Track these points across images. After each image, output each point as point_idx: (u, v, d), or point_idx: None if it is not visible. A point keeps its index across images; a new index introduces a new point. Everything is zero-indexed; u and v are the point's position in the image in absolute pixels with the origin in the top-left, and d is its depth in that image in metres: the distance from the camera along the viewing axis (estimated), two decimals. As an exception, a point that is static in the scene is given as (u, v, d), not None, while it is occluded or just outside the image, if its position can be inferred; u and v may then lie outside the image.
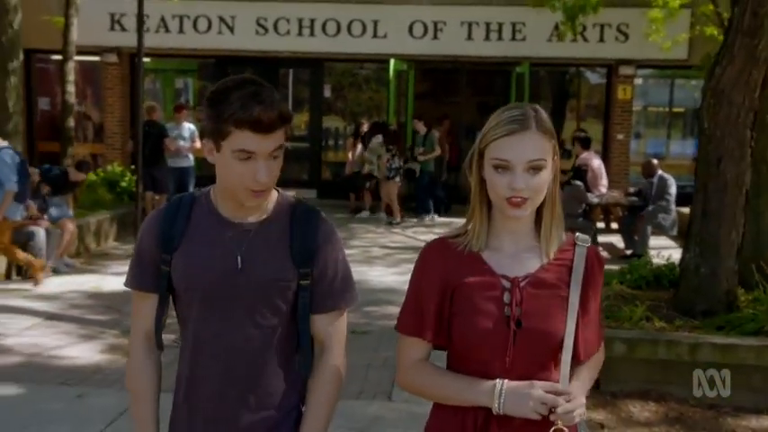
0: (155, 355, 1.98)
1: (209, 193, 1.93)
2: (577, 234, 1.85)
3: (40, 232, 7.97)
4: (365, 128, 13.54)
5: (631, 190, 11.15)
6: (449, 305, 1.79)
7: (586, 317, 1.81)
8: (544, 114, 1.75)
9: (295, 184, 14.08)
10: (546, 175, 1.73)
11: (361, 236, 11.50)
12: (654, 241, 9.75)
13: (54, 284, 7.88)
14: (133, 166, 12.33)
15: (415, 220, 12.86)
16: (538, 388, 1.69)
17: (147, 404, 1.95)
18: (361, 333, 6.41)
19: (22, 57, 10.18)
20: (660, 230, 9.84)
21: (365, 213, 13.07)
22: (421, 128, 13.01)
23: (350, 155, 13.86)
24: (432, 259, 1.83)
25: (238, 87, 1.77)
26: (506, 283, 1.77)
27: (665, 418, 4.73)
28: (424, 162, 12.99)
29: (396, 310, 5.56)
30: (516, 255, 1.80)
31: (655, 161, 10.32)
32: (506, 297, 1.76)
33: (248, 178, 1.77)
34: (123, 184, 11.49)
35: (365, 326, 6.65)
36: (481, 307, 1.76)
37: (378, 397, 4.99)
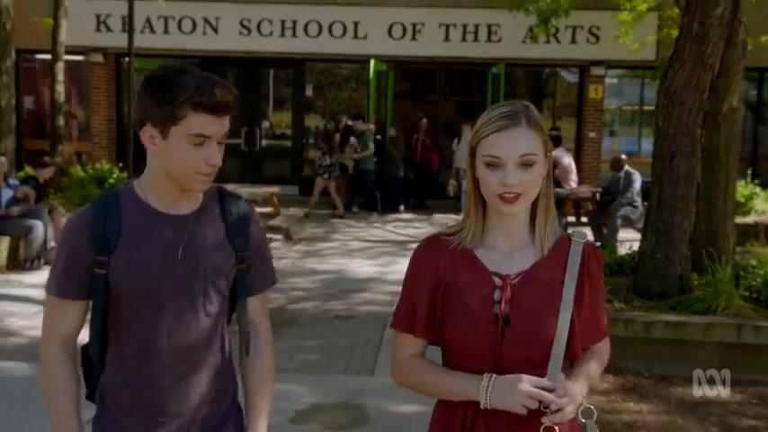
0: (73, 363, 1.89)
1: (132, 188, 1.87)
2: (572, 230, 1.86)
3: (38, 226, 8.32)
4: (342, 125, 13.95)
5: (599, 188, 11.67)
6: (441, 302, 1.80)
7: (584, 313, 1.79)
8: (535, 111, 1.76)
9: (278, 180, 14.51)
10: (538, 171, 1.73)
11: (341, 231, 11.95)
12: (623, 234, 10.28)
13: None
14: (121, 164, 12.73)
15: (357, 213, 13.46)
16: (525, 382, 1.67)
17: (70, 402, 1.85)
18: (345, 318, 6.89)
19: (14, 57, 10.50)
20: (628, 223, 10.36)
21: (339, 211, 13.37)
22: (360, 126, 13.39)
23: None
24: (424, 256, 1.84)
25: (184, 72, 1.75)
26: (498, 281, 1.77)
27: (621, 388, 5.23)
28: (362, 160, 13.40)
29: (375, 297, 6.38)
30: (510, 252, 1.80)
31: (623, 156, 10.84)
32: (497, 295, 1.76)
33: (201, 162, 1.76)
34: (111, 180, 11.84)
35: (348, 311, 7.12)
36: (471, 305, 1.76)
37: (361, 373, 5.44)
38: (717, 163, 6.82)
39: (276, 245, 10.08)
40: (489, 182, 1.72)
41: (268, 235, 9.73)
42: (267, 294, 2.04)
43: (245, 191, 10.39)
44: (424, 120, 14.70)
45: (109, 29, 14.79)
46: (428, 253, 1.83)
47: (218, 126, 1.75)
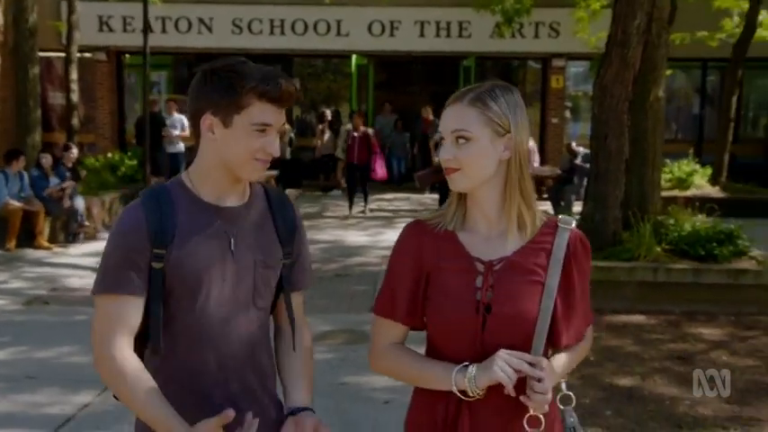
0: (139, 360, 1.79)
1: (181, 182, 1.85)
2: (560, 216, 1.82)
3: (80, 202, 9.68)
4: (328, 116, 15.40)
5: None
6: (424, 287, 1.77)
7: (568, 302, 1.75)
8: (497, 92, 1.72)
9: (270, 166, 15.86)
10: (476, 148, 1.70)
11: (333, 209, 13.40)
12: (577, 207, 11.81)
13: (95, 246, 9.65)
14: (129, 153, 14.04)
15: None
16: (504, 352, 1.65)
17: (159, 396, 1.74)
18: (343, 276, 8.36)
19: (38, 58, 11.74)
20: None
21: (337, 192, 14.87)
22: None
23: (318, 141, 15.69)
24: (407, 242, 1.81)
25: (247, 64, 1.77)
26: (480, 267, 1.74)
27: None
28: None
29: (366, 260, 8.48)
30: (491, 237, 1.76)
31: (573, 143, 12.43)
32: (479, 281, 1.73)
33: (260, 150, 1.77)
34: (123, 168, 13.15)
35: (345, 271, 8.59)
36: (453, 291, 1.73)
37: (360, 311, 6.89)
38: (645, 143, 8.36)
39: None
40: (439, 157, 1.76)
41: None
42: (305, 292, 2.04)
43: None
44: (357, 115, 13.29)
45: (111, 29, 16.04)
46: (411, 238, 1.81)
47: (279, 116, 1.77)
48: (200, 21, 16.02)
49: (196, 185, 1.84)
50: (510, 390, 1.63)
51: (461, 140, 1.71)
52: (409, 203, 14.12)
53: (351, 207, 12.71)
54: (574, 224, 1.80)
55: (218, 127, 1.77)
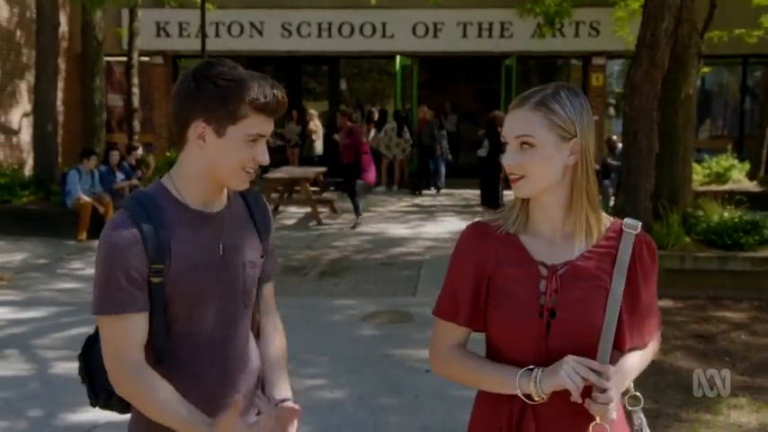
0: (154, 371, 1.77)
1: (164, 189, 1.81)
2: (626, 220, 1.77)
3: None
4: (376, 115, 16.01)
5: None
6: (485, 290, 1.74)
7: (634, 307, 1.72)
8: (562, 95, 1.68)
9: (317, 163, 16.55)
10: (539, 154, 1.66)
11: (377, 203, 14.00)
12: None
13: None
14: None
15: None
16: (571, 358, 1.62)
17: (179, 400, 1.74)
18: (388, 265, 8.91)
19: (104, 63, 12.55)
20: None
21: (381, 187, 15.49)
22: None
23: (364, 138, 16.28)
24: (468, 243, 1.78)
25: (238, 69, 1.76)
26: (544, 271, 1.71)
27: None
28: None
29: (409, 250, 9.21)
30: (554, 241, 1.73)
31: (614, 137, 12.76)
32: (542, 285, 1.70)
33: (249, 160, 1.76)
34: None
35: (389, 260, 9.15)
36: (516, 295, 1.70)
37: (405, 295, 7.44)
38: (676, 138, 8.73)
39: (324, 215, 12.14)
40: (503, 163, 1.72)
41: (318, 208, 11.83)
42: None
43: (298, 171, 12.45)
44: (342, 116, 12.07)
45: (167, 34, 16.87)
46: (472, 239, 1.78)
47: (270, 125, 1.78)
48: (252, 25, 16.75)
49: (181, 192, 1.81)
50: (576, 396, 1.60)
51: (525, 146, 1.67)
52: (451, 199, 14.64)
53: (356, 211, 11.50)
54: (639, 228, 1.75)
55: (211, 136, 1.74)
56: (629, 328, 1.72)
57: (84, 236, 10.05)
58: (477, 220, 1.87)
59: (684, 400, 4.74)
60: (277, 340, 2.02)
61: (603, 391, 1.62)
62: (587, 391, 1.64)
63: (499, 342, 1.75)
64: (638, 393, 1.81)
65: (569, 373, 1.60)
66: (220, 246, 1.83)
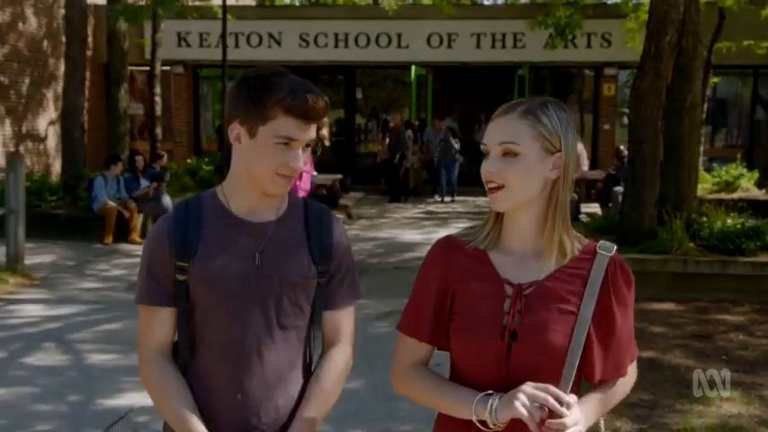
0: (174, 367, 1.81)
1: (215, 193, 1.85)
2: (601, 242, 1.70)
3: (167, 201, 10.83)
4: (392, 124, 16.37)
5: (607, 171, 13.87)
6: (449, 306, 1.69)
7: (604, 334, 1.63)
8: (550, 108, 1.63)
9: (334, 170, 16.92)
10: (525, 164, 1.60)
11: (392, 210, 14.34)
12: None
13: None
14: (206, 159, 15.24)
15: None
16: (529, 386, 1.53)
17: (187, 401, 1.76)
18: (402, 268, 9.24)
19: (128, 73, 13.00)
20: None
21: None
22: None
23: (380, 147, 16.66)
24: (435, 259, 1.74)
25: (281, 75, 1.75)
26: (509, 290, 1.64)
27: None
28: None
29: (422, 254, 9.61)
30: (524, 259, 1.66)
31: (621, 147, 13.06)
32: (507, 305, 1.63)
33: (282, 164, 1.74)
34: (201, 173, 14.33)
35: (402, 264, 9.50)
36: (478, 313, 1.65)
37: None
38: (682, 147, 9.01)
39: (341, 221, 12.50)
40: (482, 171, 1.66)
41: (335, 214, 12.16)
42: (351, 309, 1.93)
43: (317, 177, 12.81)
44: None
45: (188, 44, 17.33)
46: (440, 254, 1.73)
47: (305, 131, 1.74)
48: (270, 36, 17.18)
49: (228, 197, 1.83)
50: (533, 428, 1.51)
51: (508, 155, 1.61)
52: (464, 206, 14.97)
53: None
54: (614, 251, 1.67)
55: (245, 137, 1.76)
56: (599, 357, 1.63)
57: (109, 239, 10.45)
58: (447, 234, 1.80)
59: (680, 393, 5.03)
60: (323, 378, 1.86)
61: (561, 416, 1.51)
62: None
63: (461, 362, 1.69)
64: (601, 424, 1.72)
65: (525, 404, 1.51)
66: (256, 256, 1.79)
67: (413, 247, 10.47)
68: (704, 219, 8.48)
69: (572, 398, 1.55)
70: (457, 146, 15.64)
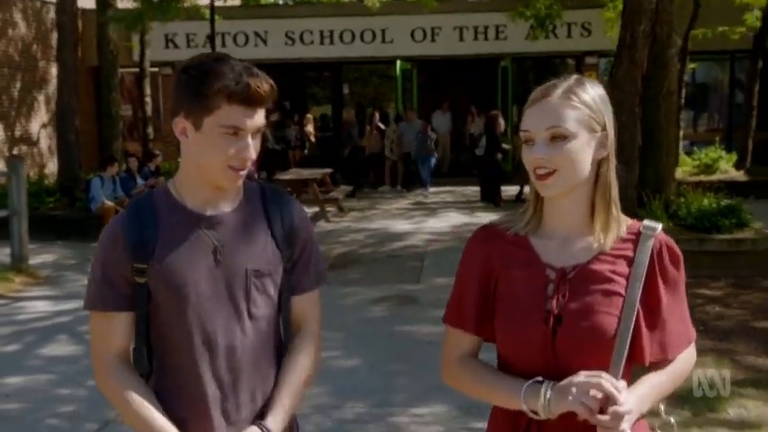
0: (136, 374, 1.75)
1: (167, 189, 1.77)
2: (645, 222, 1.63)
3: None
4: (377, 118, 16.71)
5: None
6: (492, 295, 1.65)
7: (652, 315, 1.58)
8: (587, 86, 1.59)
9: (320, 165, 17.24)
10: (575, 147, 1.54)
11: (381, 202, 14.68)
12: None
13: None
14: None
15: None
16: (581, 375, 1.49)
17: (151, 406, 1.70)
18: (394, 257, 9.57)
19: (120, 75, 13.25)
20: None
21: (385, 187, 16.17)
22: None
23: (367, 142, 16.97)
24: (475, 247, 1.70)
25: (221, 61, 1.66)
26: (552, 274, 1.60)
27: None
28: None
29: (412, 243, 10.15)
30: (567, 243, 1.62)
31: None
32: (550, 289, 1.59)
33: (232, 156, 1.66)
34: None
35: (394, 252, 9.82)
36: (520, 299, 1.61)
37: (408, 282, 8.09)
38: (660, 132, 9.38)
39: (331, 214, 12.83)
40: (525, 159, 1.60)
41: (326, 207, 12.50)
42: (316, 294, 1.90)
43: (306, 172, 13.14)
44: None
45: (176, 45, 17.57)
46: (480, 243, 1.70)
47: (252, 118, 1.67)
48: (256, 34, 17.44)
49: (181, 193, 1.75)
50: (591, 419, 1.48)
51: (557, 139, 1.55)
52: (452, 195, 15.31)
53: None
54: (660, 229, 1.62)
55: (191, 130, 1.69)
56: (648, 339, 1.59)
57: (108, 238, 10.71)
58: (485, 223, 1.75)
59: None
60: (295, 362, 1.83)
61: (615, 408, 1.47)
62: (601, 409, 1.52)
63: (506, 350, 1.65)
64: (671, 419, 1.67)
65: (582, 399, 1.48)
66: (218, 250, 1.74)
67: (403, 237, 10.80)
68: (682, 200, 8.83)
69: (622, 383, 1.51)
70: (433, 137, 15.58)
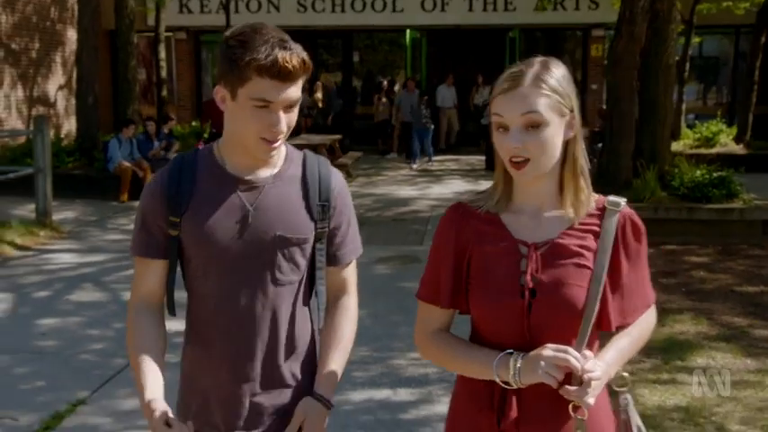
0: (157, 319, 1.85)
1: (212, 150, 1.83)
2: (609, 197, 1.71)
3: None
4: (385, 86, 17.04)
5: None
6: (466, 270, 1.71)
7: (619, 285, 1.67)
8: (553, 70, 1.62)
9: (332, 131, 17.62)
10: (549, 133, 1.59)
11: (389, 168, 15.08)
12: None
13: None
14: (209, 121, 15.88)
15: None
16: (548, 349, 1.57)
17: (151, 359, 1.77)
18: (399, 220, 10.00)
19: (135, 39, 13.59)
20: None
21: (393, 154, 16.55)
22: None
23: (376, 109, 17.34)
24: (448, 225, 1.75)
25: (257, 32, 1.67)
26: (524, 249, 1.66)
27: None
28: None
29: (417, 208, 10.78)
30: (537, 219, 1.68)
31: (604, 106, 13.73)
32: (523, 264, 1.65)
33: (264, 128, 1.69)
34: (206, 135, 14.99)
35: (399, 216, 10.25)
36: (495, 275, 1.67)
37: (413, 244, 8.53)
38: (657, 104, 9.71)
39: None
40: (498, 146, 1.64)
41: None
42: (353, 265, 1.96)
43: (317, 138, 13.54)
44: None
45: (190, 11, 17.86)
46: (452, 221, 1.74)
47: (283, 92, 1.67)
48: (269, 1, 17.71)
49: (223, 155, 1.81)
50: (558, 389, 1.59)
51: (531, 127, 1.59)
52: (457, 164, 15.69)
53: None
54: (623, 205, 1.70)
55: (228, 99, 1.73)
56: (612, 308, 1.66)
57: (125, 197, 11.18)
58: (456, 201, 1.81)
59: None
60: (339, 330, 1.91)
61: (580, 380, 1.57)
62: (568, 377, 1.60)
63: (481, 324, 1.72)
64: (625, 374, 1.75)
65: (547, 369, 1.56)
66: (250, 214, 1.78)
67: (408, 202, 11.23)
68: (676, 170, 9.20)
69: (588, 353, 1.61)
70: (426, 113, 15.38)
